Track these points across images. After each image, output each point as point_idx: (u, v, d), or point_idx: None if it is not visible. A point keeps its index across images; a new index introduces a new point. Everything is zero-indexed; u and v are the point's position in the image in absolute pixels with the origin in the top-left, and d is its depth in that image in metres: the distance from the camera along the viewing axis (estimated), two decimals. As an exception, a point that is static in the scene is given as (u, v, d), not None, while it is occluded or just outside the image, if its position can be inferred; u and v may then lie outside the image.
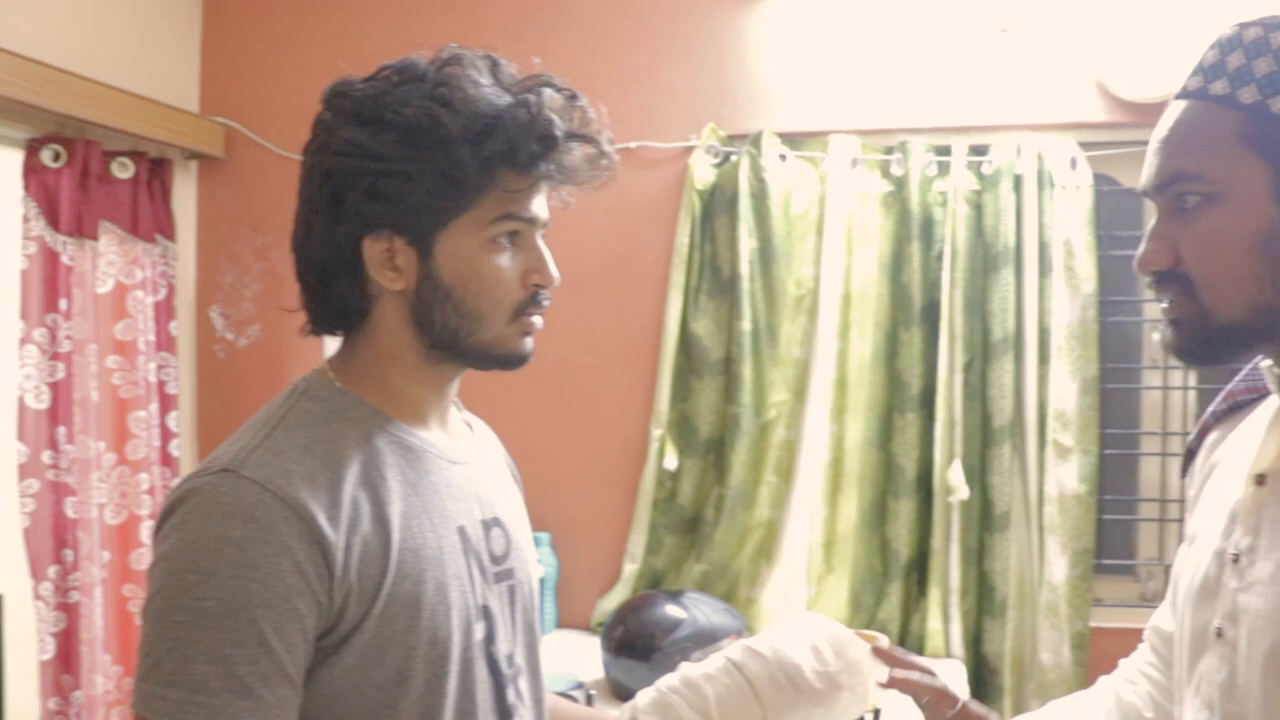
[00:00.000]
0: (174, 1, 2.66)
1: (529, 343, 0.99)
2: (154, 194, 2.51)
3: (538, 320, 0.99)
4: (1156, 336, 1.00)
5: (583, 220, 2.61)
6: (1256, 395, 1.03)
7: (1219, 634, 0.94)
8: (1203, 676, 0.96)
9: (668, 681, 1.04)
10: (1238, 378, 1.07)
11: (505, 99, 0.93)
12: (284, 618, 0.83)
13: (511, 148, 0.91)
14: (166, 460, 2.51)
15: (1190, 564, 1.02)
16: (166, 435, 2.51)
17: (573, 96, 0.96)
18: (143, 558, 2.38)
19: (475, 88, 0.92)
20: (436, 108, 0.90)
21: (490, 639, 0.97)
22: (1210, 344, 0.93)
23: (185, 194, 2.69)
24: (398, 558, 0.90)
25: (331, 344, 1.00)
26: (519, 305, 0.96)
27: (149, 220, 2.49)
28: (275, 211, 2.61)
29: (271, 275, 2.66)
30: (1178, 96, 0.95)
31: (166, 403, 2.51)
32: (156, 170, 2.53)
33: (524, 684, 1.02)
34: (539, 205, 0.97)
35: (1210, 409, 1.10)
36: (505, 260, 0.95)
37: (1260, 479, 0.93)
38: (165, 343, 2.52)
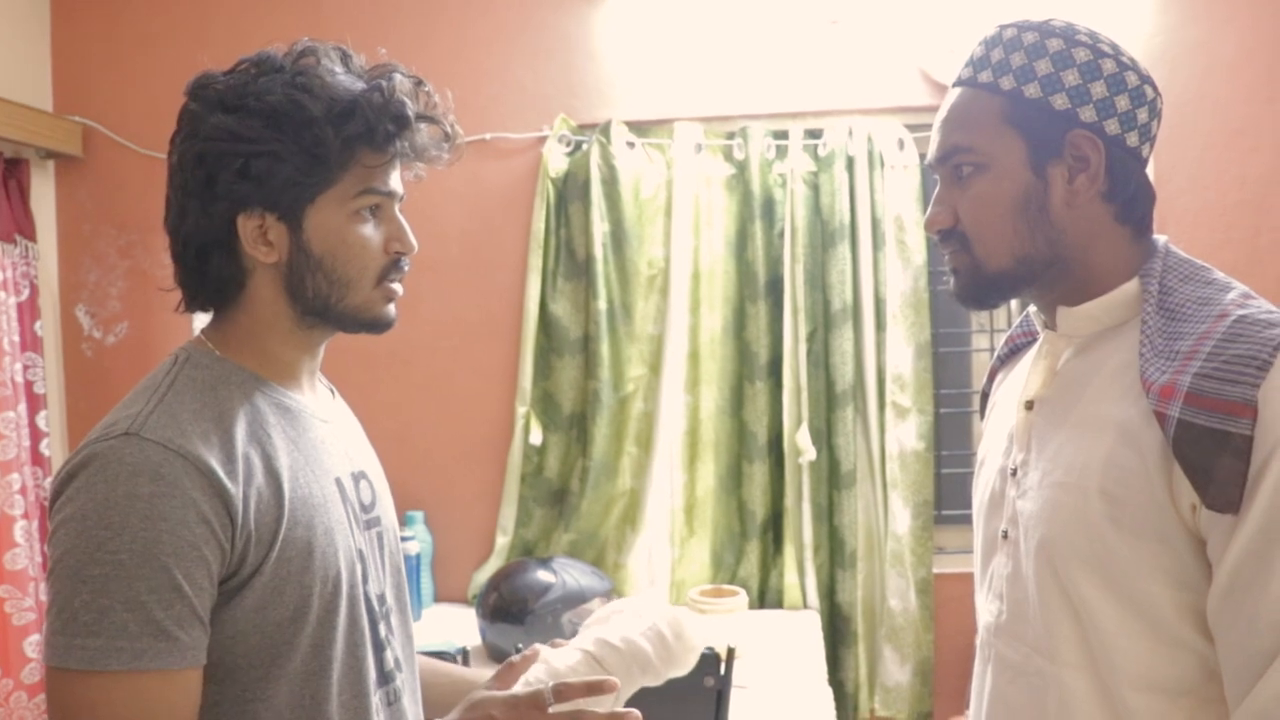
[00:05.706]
0: (20, 1, 2.64)
1: (392, 309, 1.08)
2: (11, 194, 2.51)
3: (398, 287, 1.08)
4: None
5: (443, 209, 2.70)
6: (1030, 339, 1.22)
7: (1004, 536, 1.11)
8: (993, 573, 1.13)
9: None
10: (1014, 325, 1.27)
11: (359, 85, 1.03)
12: (193, 564, 0.90)
13: (369, 128, 1.00)
14: (37, 460, 2.51)
15: (980, 483, 1.19)
16: (36, 435, 2.51)
17: (419, 82, 1.08)
18: (16, 558, 2.39)
19: (331, 75, 1.01)
20: (298, 94, 0.98)
21: (365, 579, 1.06)
22: (984, 289, 1.09)
23: (44, 194, 2.68)
24: (289, 506, 0.97)
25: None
26: (383, 270, 1.05)
27: (8, 220, 2.48)
28: (138, 209, 2.61)
29: (137, 272, 2.64)
30: (954, 84, 1.12)
31: (35, 402, 2.52)
32: (12, 170, 2.52)
33: (394, 620, 1.13)
34: (395, 181, 1.06)
35: (996, 354, 1.29)
36: (369, 230, 1.03)
37: (1030, 404, 1.11)
38: (31, 343, 2.52)
